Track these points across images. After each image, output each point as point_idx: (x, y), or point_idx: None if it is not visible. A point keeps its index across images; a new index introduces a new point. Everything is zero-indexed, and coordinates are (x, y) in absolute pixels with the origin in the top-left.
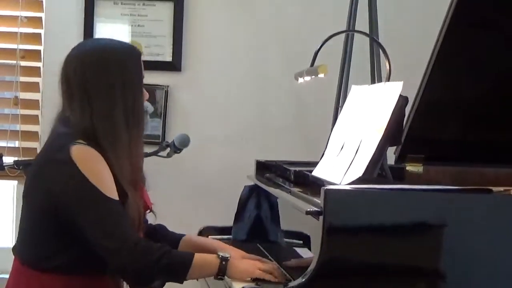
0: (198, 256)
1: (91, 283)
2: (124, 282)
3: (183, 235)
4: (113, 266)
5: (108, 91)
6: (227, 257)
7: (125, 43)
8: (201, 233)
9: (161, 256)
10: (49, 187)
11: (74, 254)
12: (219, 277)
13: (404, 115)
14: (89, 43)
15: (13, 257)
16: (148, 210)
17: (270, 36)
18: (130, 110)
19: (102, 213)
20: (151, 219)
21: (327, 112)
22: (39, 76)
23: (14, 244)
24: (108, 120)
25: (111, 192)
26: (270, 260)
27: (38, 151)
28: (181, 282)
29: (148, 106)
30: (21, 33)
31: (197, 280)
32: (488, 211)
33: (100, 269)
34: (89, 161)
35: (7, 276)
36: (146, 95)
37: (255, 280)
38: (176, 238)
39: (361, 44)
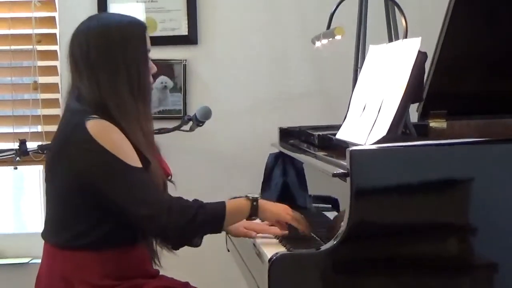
0: (229, 203)
1: (123, 254)
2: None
3: None
4: (153, 232)
5: (112, 66)
6: (257, 198)
7: (130, 17)
8: None
9: (196, 212)
10: (72, 167)
11: (105, 229)
12: (252, 218)
13: (424, 71)
14: (94, 19)
15: (43, 242)
16: (169, 177)
17: (285, 3)
18: (135, 84)
19: (130, 182)
20: (171, 189)
21: (347, 74)
22: (57, 59)
23: (43, 229)
24: (115, 94)
25: (134, 161)
26: None
27: None
28: (220, 232)
29: (168, 81)
30: (35, 17)
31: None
32: None
33: (131, 240)
34: (106, 133)
35: (38, 261)
36: (154, 68)
37: (287, 244)
38: None
39: (376, 3)
